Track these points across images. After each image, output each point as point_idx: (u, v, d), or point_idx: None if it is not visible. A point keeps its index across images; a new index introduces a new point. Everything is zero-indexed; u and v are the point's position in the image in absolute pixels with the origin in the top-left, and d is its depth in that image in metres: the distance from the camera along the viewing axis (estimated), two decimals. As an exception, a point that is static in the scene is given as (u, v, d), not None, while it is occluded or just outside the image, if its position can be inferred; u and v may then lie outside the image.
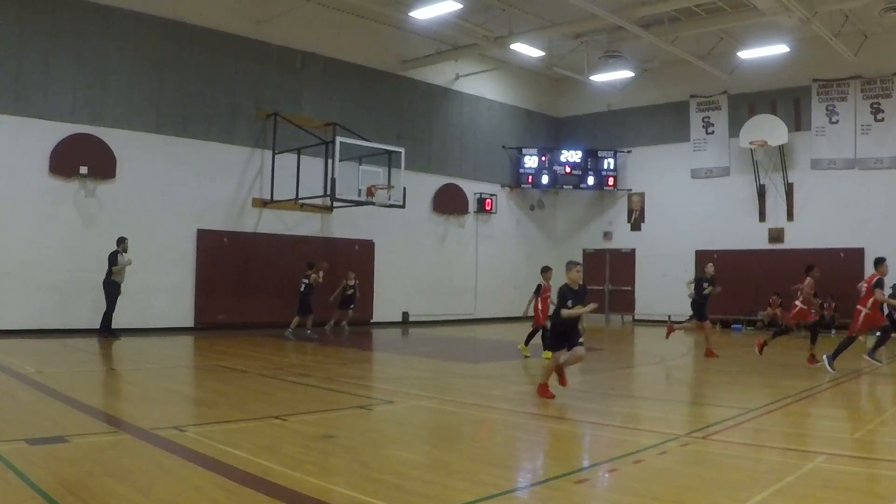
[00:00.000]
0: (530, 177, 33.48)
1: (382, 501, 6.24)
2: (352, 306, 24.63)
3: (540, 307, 17.97)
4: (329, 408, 10.84)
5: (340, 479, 7.07)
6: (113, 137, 21.84)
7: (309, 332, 21.84)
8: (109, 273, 20.22)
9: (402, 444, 8.78)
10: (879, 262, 16.76)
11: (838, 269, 27.95)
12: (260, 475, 6.92)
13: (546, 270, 18.63)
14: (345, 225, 26.95)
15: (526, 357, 17.62)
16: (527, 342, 18.24)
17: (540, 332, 17.89)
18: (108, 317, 20.31)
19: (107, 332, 20.09)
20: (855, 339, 16.55)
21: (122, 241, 20.35)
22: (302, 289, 22.20)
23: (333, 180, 22.85)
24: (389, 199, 24.35)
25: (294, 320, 21.91)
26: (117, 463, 7.34)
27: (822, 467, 7.75)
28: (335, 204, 24.97)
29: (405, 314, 28.95)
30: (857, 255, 27.76)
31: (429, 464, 7.84)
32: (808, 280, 17.27)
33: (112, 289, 20.25)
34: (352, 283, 24.53)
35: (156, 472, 7.10)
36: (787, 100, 29.69)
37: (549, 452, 8.92)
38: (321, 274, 22.16)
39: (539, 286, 18.25)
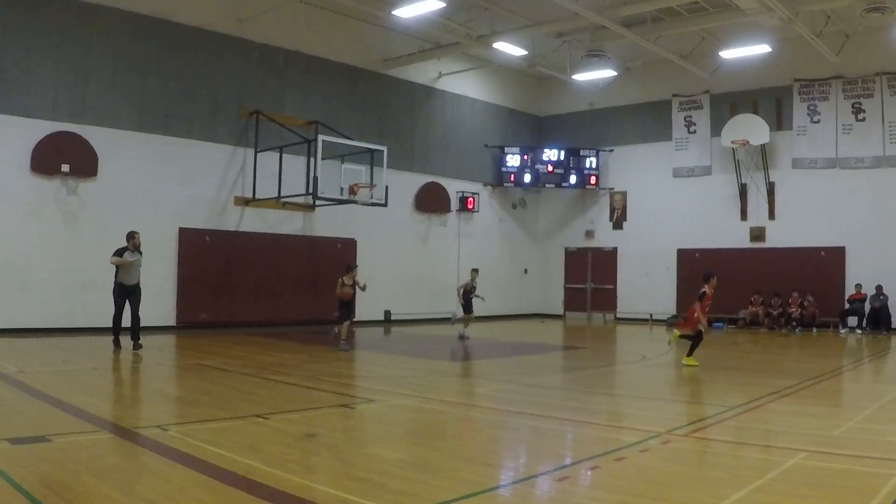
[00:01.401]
0: (512, 175, 33.53)
1: (364, 499, 6.26)
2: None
3: (699, 315, 16.86)
4: (311, 406, 10.86)
5: (323, 477, 7.09)
6: (95, 135, 21.76)
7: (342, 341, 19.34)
8: (116, 273, 17.72)
9: (385, 443, 8.81)
10: None
11: (819, 268, 28.25)
12: (243, 474, 6.94)
13: (710, 277, 17.35)
14: (327, 223, 26.94)
15: (695, 366, 16.40)
16: (691, 353, 16.74)
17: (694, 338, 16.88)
18: (114, 322, 17.62)
19: (114, 339, 17.63)
20: None
21: (131, 237, 17.79)
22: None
23: (316, 179, 22.87)
24: (371, 198, 24.34)
25: (344, 328, 19.36)
26: (100, 462, 7.33)
27: (802, 464, 7.81)
28: (317, 202, 24.94)
29: (387, 313, 28.95)
30: (838, 253, 28.05)
31: (411, 462, 7.85)
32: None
33: (116, 291, 17.65)
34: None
35: (139, 471, 7.12)
36: (769, 99, 29.85)
37: (530, 450, 8.94)
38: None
39: (703, 293, 17.04)
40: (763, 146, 29.45)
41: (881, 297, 26.67)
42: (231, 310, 24.29)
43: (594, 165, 33.57)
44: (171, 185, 23.23)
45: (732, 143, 29.65)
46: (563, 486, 7.13)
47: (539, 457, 8.53)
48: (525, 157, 33.61)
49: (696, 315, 16.58)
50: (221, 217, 24.32)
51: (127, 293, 17.59)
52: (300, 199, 25.10)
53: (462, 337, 22.65)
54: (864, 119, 27.95)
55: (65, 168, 21.15)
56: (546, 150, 33.85)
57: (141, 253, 17.91)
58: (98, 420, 9.35)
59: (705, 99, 31.35)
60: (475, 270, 24.21)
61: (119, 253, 17.54)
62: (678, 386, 15.30)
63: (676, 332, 17.51)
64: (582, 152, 33.67)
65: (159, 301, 22.76)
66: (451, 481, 7.02)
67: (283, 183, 24.39)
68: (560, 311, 35.08)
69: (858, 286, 27.24)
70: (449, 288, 30.51)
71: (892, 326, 26.58)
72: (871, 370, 17.57)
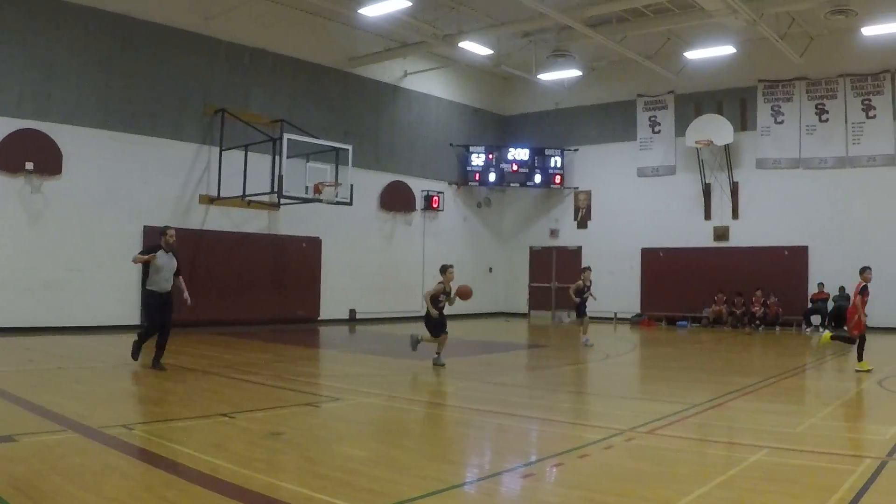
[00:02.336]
0: (477, 174, 33.60)
1: (330, 497, 6.31)
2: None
3: (861, 314, 15.81)
4: (277, 405, 10.89)
5: (288, 475, 7.13)
6: (59, 133, 21.59)
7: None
8: (144, 279, 14.85)
9: (350, 441, 8.84)
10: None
11: (783, 267, 28.55)
12: (208, 472, 6.97)
13: (865, 270, 16.36)
14: (292, 222, 26.90)
15: (868, 371, 15.60)
16: (861, 357, 15.89)
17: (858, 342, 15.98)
18: (140, 338, 14.86)
19: (135, 353, 14.84)
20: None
21: (162, 233, 14.68)
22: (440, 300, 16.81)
23: (280, 177, 22.84)
24: (336, 197, 24.33)
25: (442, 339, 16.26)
26: (67, 462, 7.32)
27: (764, 460, 7.94)
28: (282, 201, 24.89)
29: (352, 311, 28.96)
30: (801, 253, 28.38)
31: (376, 460, 7.92)
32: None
33: (147, 301, 14.73)
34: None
35: (105, 470, 7.11)
36: (733, 100, 30.15)
37: (495, 448, 9.04)
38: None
39: (864, 287, 15.97)
40: (727, 146, 29.73)
41: (843, 297, 26.95)
42: (196, 309, 24.01)
43: (559, 165, 33.72)
44: (135, 183, 23.10)
45: (697, 143, 29.90)
46: (528, 483, 7.23)
47: (504, 454, 8.61)
48: (490, 156, 33.69)
49: (857, 316, 15.70)
50: (186, 215, 24.19)
51: (162, 304, 14.38)
52: (265, 198, 25.04)
53: (586, 344, 20.97)
54: (827, 120, 28.29)
55: (29, 166, 20.96)
56: (511, 149, 33.94)
57: (176, 254, 14.70)
58: (64, 420, 9.32)
59: (670, 99, 31.58)
60: (588, 269, 23.14)
61: (148, 252, 14.49)
62: (642, 384, 15.48)
63: (828, 333, 17.05)
64: (547, 151, 33.80)
65: (124, 300, 22.67)
66: (417, 479, 7.09)
67: (249, 181, 24.30)
68: (525, 309, 35.21)
69: (821, 285, 27.57)
70: (413, 287, 30.61)
71: None
72: (833, 368, 17.79)
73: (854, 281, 26.73)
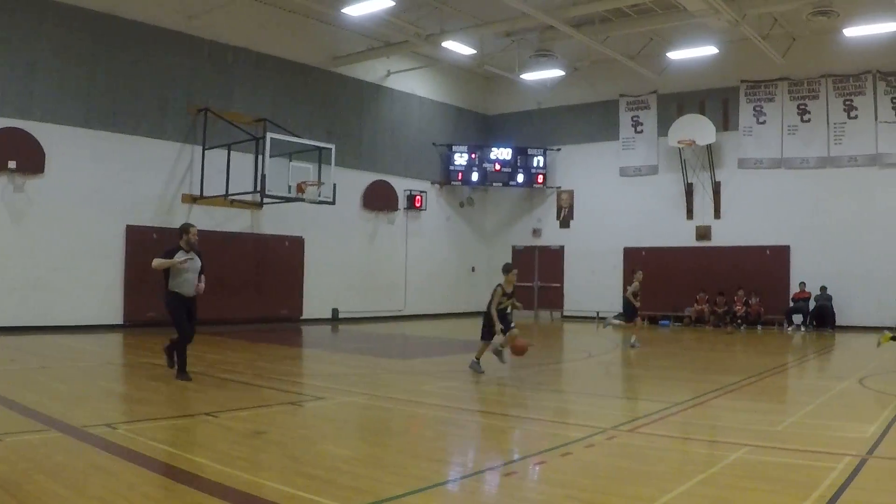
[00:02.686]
0: (460, 174, 33.64)
1: (314, 496, 6.35)
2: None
3: None
4: (260, 404, 10.91)
5: (272, 474, 7.15)
6: (42, 132, 21.52)
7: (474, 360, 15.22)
8: (166, 282, 13.00)
9: (333, 440, 8.90)
10: None
11: (764, 267, 28.73)
12: (192, 471, 7.00)
13: None
14: (275, 221, 26.89)
15: None
16: None
17: None
18: (172, 345, 13.23)
19: (179, 371, 12.98)
20: None
21: (184, 231, 13.17)
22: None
23: (263, 176, 22.83)
24: (319, 196, 24.37)
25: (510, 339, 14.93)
26: (51, 461, 7.34)
27: (745, 458, 8.01)
28: (265, 200, 24.85)
29: (335, 311, 28.94)
30: (782, 252, 28.60)
31: (359, 458, 7.96)
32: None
33: (172, 305, 12.93)
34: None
35: (89, 469, 7.13)
36: (716, 100, 30.33)
37: (478, 446, 9.11)
38: None
39: None
40: (709, 146, 29.90)
41: (825, 297, 27.20)
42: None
43: (542, 164, 33.81)
44: (118, 183, 23.03)
45: (679, 142, 30.05)
46: (510, 481, 7.29)
47: (486, 453, 8.70)
48: (473, 155, 33.72)
49: None
50: (169, 215, 24.10)
51: (187, 307, 12.94)
52: (248, 197, 25.02)
53: (635, 346, 20.42)
54: (809, 120, 28.48)
55: (11, 164, 20.90)
56: (494, 148, 34.00)
57: (199, 254, 13.23)
58: (47, 419, 9.32)
59: (652, 99, 31.72)
60: (640, 271, 21.93)
61: (168, 255, 12.92)
62: (624, 383, 15.54)
63: (888, 334, 17.27)
64: (529, 151, 33.88)
65: (107, 300, 22.66)
66: (400, 477, 7.12)
67: (231, 180, 24.29)
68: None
69: (802, 284, 27.76)
70: (396, 286, 30.67)
71: (836, 324, 27.10)
72: (814, 367, 17.91)
73: (835, 279, 27.23)
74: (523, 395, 12.80)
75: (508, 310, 14.89)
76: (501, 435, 9.63)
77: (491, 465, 7.94)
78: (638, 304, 20.68)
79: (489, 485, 7.23)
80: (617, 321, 21.43)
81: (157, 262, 12.79)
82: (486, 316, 14.79)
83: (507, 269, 15.04)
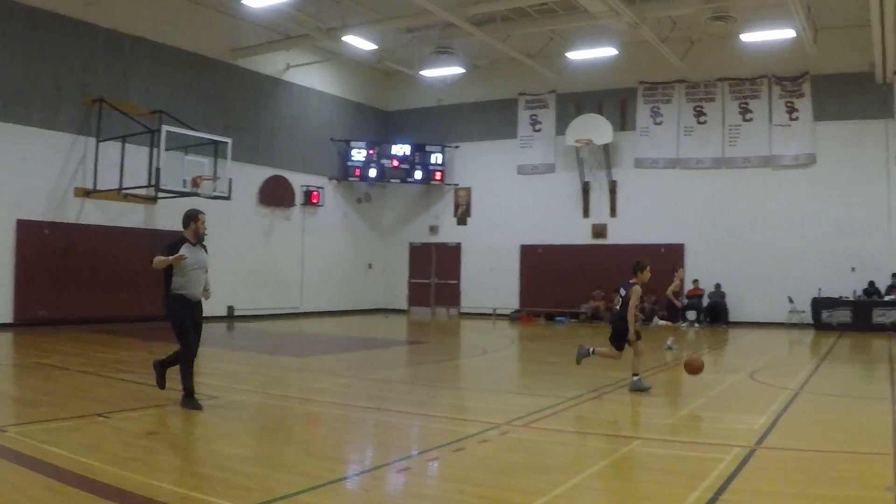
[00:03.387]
0: (358, 170, 33.50)
1: (207, 496, 6.36)
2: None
3: None
4: (152, 404, 10.76)
5: (165, 475, 7.14)
6: (-75, 121, 20.92)
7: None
8: (167, 282, 10.92)
9: (227, 439, 8.88)
10: None
11: (659, 265, 29.31)
12: (84, 474, 6.92)
13: None
14: (170, 216, 26.22)
15: None
16: None
17: None
18: (175, 362, 11.00)
19: (186, 395, 10.58)
20: None
21: (192, 218, 11.30)
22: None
23: (158, 170, 22.46)
24: (215, 191, 24.05)
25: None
26: (-65, 464, 7.18)
27: (636, 451, 8.28)
28: (159, 195, 24.41)
29: (230, 308, 28.59)
30: (677, 250, 29.24)
31: (253, 457, 7.99)
32: None
33: (173, 310, 10.79)
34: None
35: (-24, 472, 7.00)
36: (614, 100, 30.95)
37: (373, 443, 9.19)
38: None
39: None
40: (606, 145, 30.48)
41: (719, 294, 28.03)
42: (71, 306, 23.58)
43: (440, 161, 33.95)
44: (8, 175, 22.30)
45: (576, 141, 30.52)
46: (404, 477, 7.39)
47: (381, 449, 8.78)
48: (371, 151, 33.62)
49: None
50: (61, 209, 23.53)
51: (191, 311, 10.89)
52: (142, 191, 24.57)
53: (672, 347, 19.61)
54: (705, 122, 29.33)
55: None
56: (392, 145, 34.01)
57: (205, 248, 11.47)
58: (-69, 420, 9.13)
59: (551, 98, 32.13)
60: (681, 268, 21.25)
61: (170, 249, 10.82)
62: (519, 379, 15.78)
63: None
64: (428, 148, 33.98)
65: (-6, 295, 22.10)
66: (294, 475, 7.15)
67: (126, 174, 23.76)
68: (404, 305, 35.35)
69: (696, 282, 28.52)
70: (292, 283, 30.50)
71: (730, 320, 28.14)
72: (707, 361, 18.32)
73: (728, 277, 28.02)
74: (419, 392, 12.92)
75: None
76: (396, 431, 9.69)
77: (385, 462, 8.00)
78: (681, 304, 20.34)
79: (383, 481, 7.30)
80: (663, 322, 20.87)
81: (157, 261, 10.69)
82: (620, 321, 13.01)
83: (643, 267, 13.35)
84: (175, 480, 6.86)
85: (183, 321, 10.64)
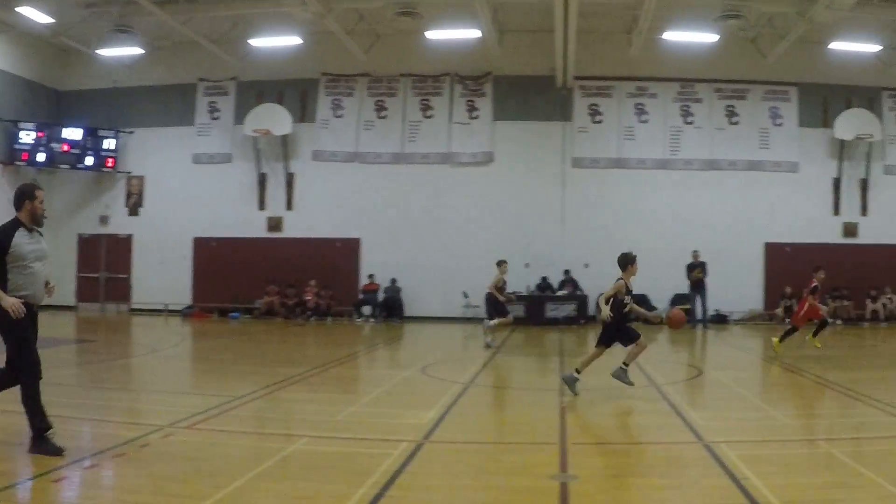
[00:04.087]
0: (26, 153, 31.14)
1: None
2: None
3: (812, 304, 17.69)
4: None
5: None
6: None
7: None
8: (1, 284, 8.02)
9: None
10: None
11: (336, 259, 29.67)
12: None
13: (818, 270, 17.74)
14: None
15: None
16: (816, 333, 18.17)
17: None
18: (14, 383, 8.34)
19: (37, 436, 8.08)
20: None
21: (26, 195, 8.41)
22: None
23: None
24: None
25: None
26: None
27: (302, 449, 8.29)
28: None
29: None
30: (353, 244, 29.81)
31: None
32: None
33: (9, 319, 7.88)
34: None
35: None
36: (295, 91, 30.88)
37: (21, 452, 8.28)
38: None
39: (815, 287, 17.58)
40: (285, 137, 30.39)
41: (395, 288, 28.57)
42: None
43: (113, 147, 32.26)
44: None
45: (254, 131, 30.21)
46: (58, 487, 6.95)
47: (32, 459, 7.94)
48: (41, 133, 31.35)
49: (808, 306, 17.60)
50: None
51: (34, 320, 8.29)
52: None
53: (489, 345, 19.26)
54: (385, 117, 30.28)
55: None
56: (65, 128, 31.97)
57: (42, 234, 8.61)
58: None
59: (231, 85, 31.51)
60: (504, 262, 19.87)
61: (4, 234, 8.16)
62: (186, 378, 15.39)
63: (776, 339, 17.80)
64: (100, 132, 32.11)
65: None
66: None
67: None
68: (72, 301, 33.26)
69: (371, 276, 29.09)
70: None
71: (405, 315, 28.99)
72: (381, 356, 18.65)
73: (404, 272, 28.63)
74: (78, 395, 12.10)
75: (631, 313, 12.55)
76: (52, 438, 8.91)
77: (37, 473, 7.38)
78: (505, 298, 19.75)
79: (36, 492, 6.82)
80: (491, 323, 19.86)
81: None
82: (603, 323, 12.27)
83: (632, 260, 12.33)
84: None
85: (25, 332, 8.04)
